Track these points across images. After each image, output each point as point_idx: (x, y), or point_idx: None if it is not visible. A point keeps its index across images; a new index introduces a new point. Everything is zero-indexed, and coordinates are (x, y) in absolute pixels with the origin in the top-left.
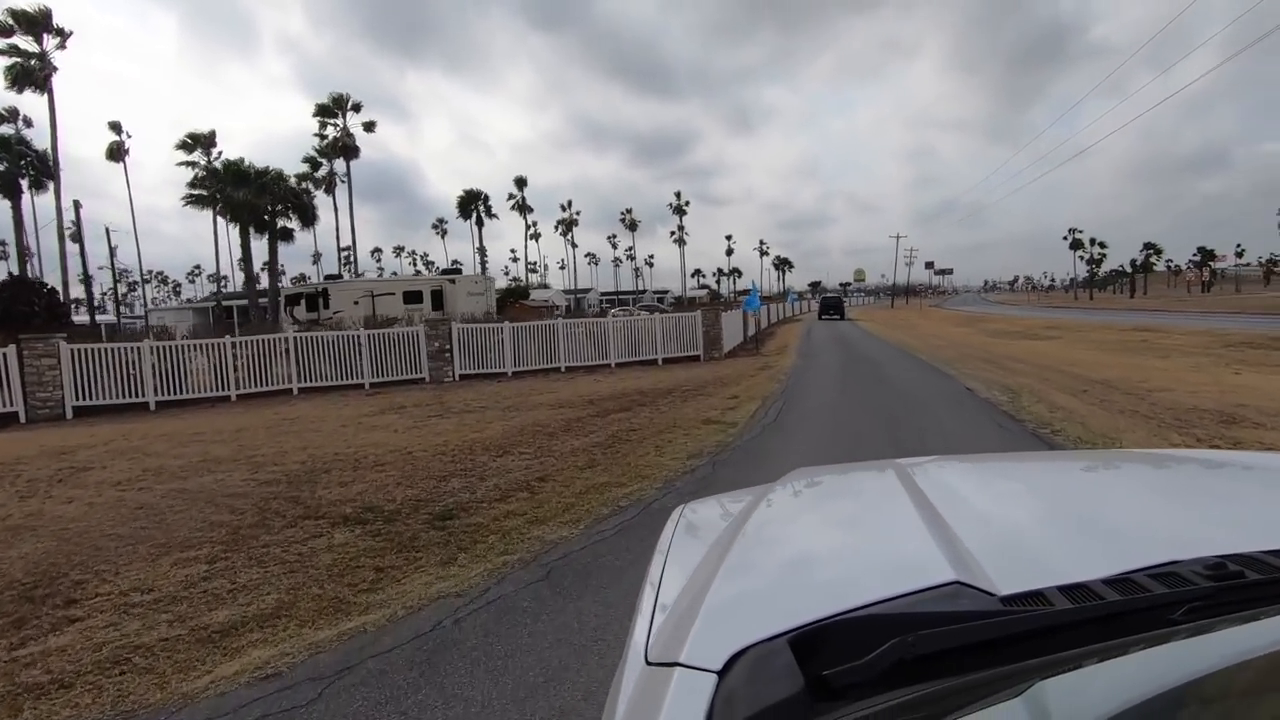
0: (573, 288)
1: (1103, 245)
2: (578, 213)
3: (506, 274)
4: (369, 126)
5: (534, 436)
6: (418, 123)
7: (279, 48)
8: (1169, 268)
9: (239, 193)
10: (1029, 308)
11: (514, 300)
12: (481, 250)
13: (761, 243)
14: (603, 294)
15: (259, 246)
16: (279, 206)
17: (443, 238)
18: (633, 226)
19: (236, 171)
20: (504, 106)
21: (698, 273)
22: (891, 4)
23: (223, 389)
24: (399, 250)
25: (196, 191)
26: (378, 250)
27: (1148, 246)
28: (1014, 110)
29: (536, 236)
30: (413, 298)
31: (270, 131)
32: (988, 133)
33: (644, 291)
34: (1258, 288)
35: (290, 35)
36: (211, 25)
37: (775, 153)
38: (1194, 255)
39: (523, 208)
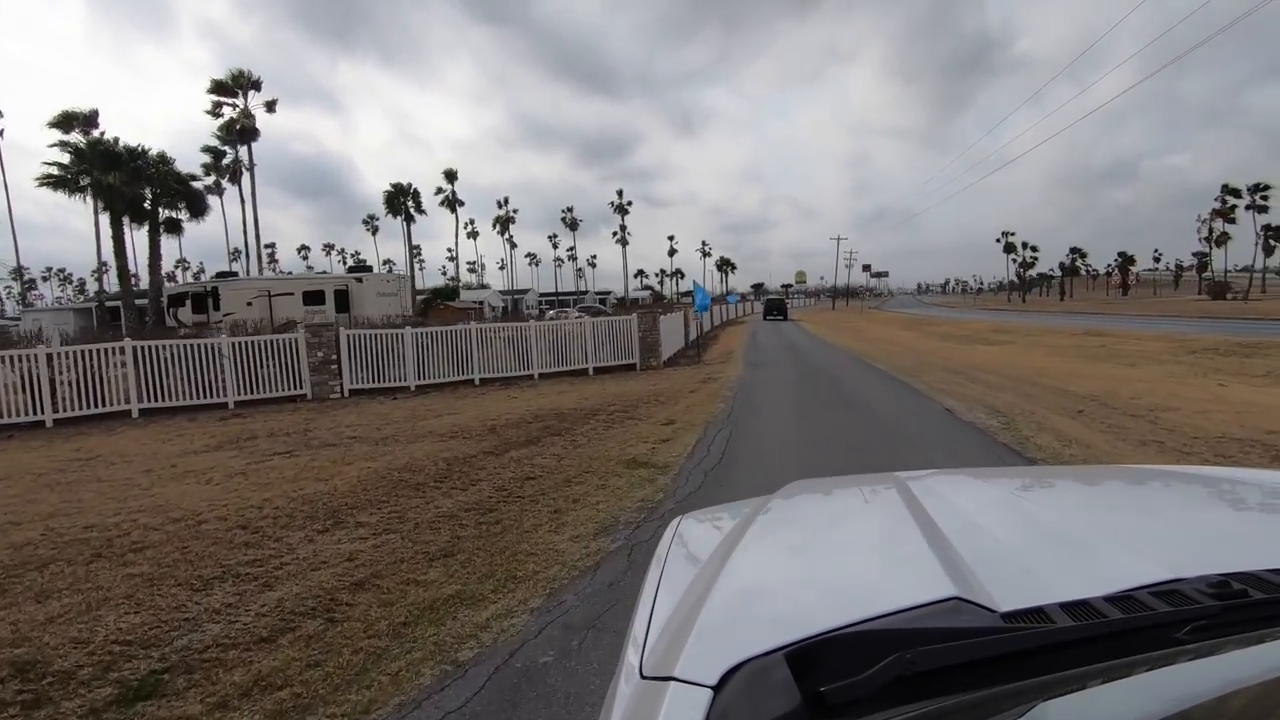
0: (511, 288)
1: (1034, 249)
2: (515, 210)
3: (444, 274)
4: (270, 106)
5: (394, 491)
6: (351, 116)
7: (199, 32)
8: (1088, 272)
9: (108, 176)
10: (966, 310)
11: (440, 302)
12: (416, 249)
13: (704, 244)
14: (542, 295)
15: (142, 239)
16: (162, 194)
17: (374, 235)
18: (573, 226)
19: (106, 153)
20: (443, 101)
21: (640, 274)
22: (830, 9)
23: (34, 411)
24: (329, 248)
25: (54, 173)
26: (305, 248)
27: (1074, 251)
28: (947, 118)
29: (474, 235)
30: (314, 298)
31: (193, 121)
32: (922, 140)
33: (585, 292)
34: (1168, 291)
35: (211, 20)
36: (121, 4)
37: (718, 155)
38: (1115, 260)
39: (453, 203)
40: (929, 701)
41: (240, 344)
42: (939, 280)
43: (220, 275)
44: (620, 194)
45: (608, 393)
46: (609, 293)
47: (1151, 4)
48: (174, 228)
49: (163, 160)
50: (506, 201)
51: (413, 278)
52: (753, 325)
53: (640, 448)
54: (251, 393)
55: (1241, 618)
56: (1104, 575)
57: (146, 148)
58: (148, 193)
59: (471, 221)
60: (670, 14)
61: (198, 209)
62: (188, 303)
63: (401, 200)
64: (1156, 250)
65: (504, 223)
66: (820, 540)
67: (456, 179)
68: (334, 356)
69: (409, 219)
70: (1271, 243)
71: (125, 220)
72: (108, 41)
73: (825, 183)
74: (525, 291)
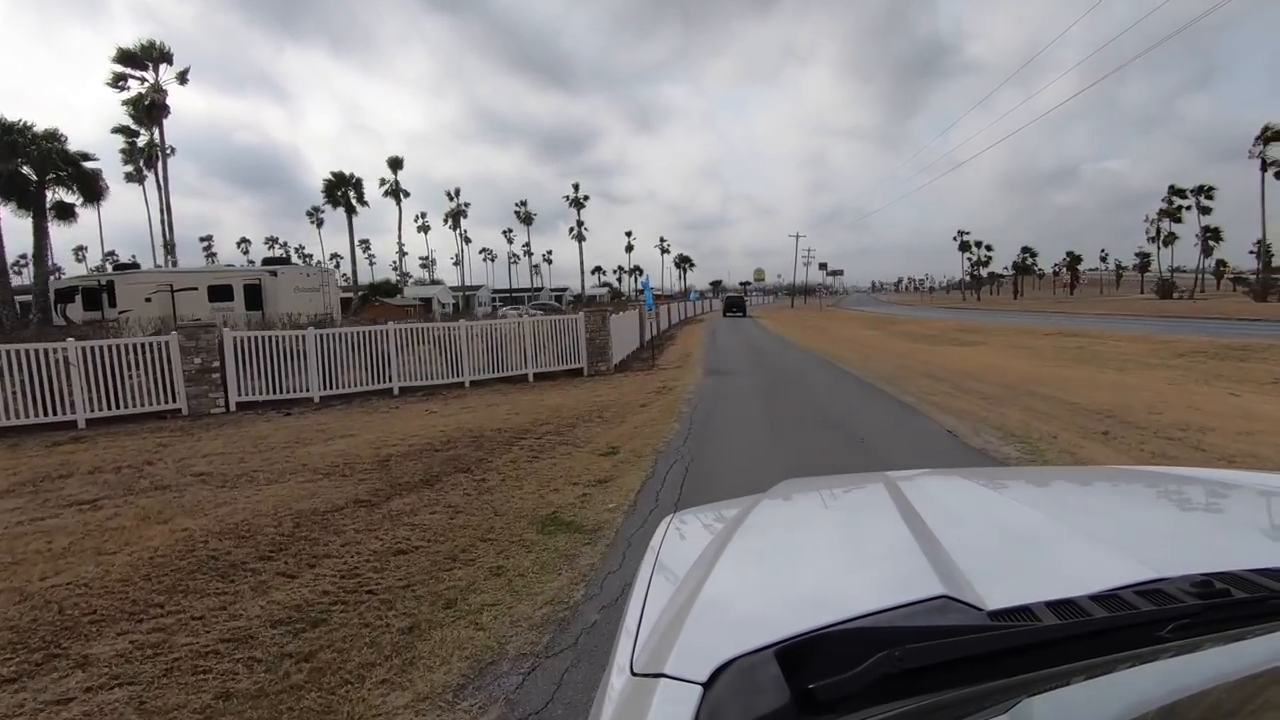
0: (463, 284)
1: (989, 248)
2: (467, 204)
3: (395, 269)
4: (182, 78)
5: (191, 576)
6: (299, 105)
7: (134, 14)
8: (1034, 271)
9: None
10: (924, 308)
11: (376, 298)
12: (365, 244)
13: (662, 240)
14: (495, 292)
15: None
16: (48, 174)
17: (319, 228)
18: (528, 220)
19: None
20: (397, 92)
21: (598, 270)
22: (789, 8)
23: None
24: (272, 241)
25: None
26: (245, 240)
27: (1025, 250)
28: (900, 120)
29: (426, 229)
30: (220, 294)
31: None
32: (876, 141)
33: (541, 289)
34: (1111, 290)
35: (147, 1)
36: None
37: (677, 153)
38: (1063, 259)
39: (397, 194)
40: (917, 698)
41: (93, 349)
42: (891, 278)
43: (119, 268)
44: (576, 188)
45: (544, 406)
46: (565, 289)
47: (1093, 14)
48: (66, 213)
49: (50, 137)
50: (458, 193)
51: (355, 273)
52: (712, 323)
53: (567, 494)
54: (112, 408)
55: (1223, 616)
56: (1089, 574)
57: (30, 123)
58: (30, 173)
59: (423, 215)
60: (629, 9)
61: (91, 193)
62: (78, 298)
63: (342, 190)
64: (1103, 250)
65: (456, 216)
66: (811, 539)
67: (401, 168)
68: (216, 364)
69: (350, 210)
70: (1210, 243)
71: (7, 204)
72: (34, 24)
73: (783, 181)
74: (478, 288)
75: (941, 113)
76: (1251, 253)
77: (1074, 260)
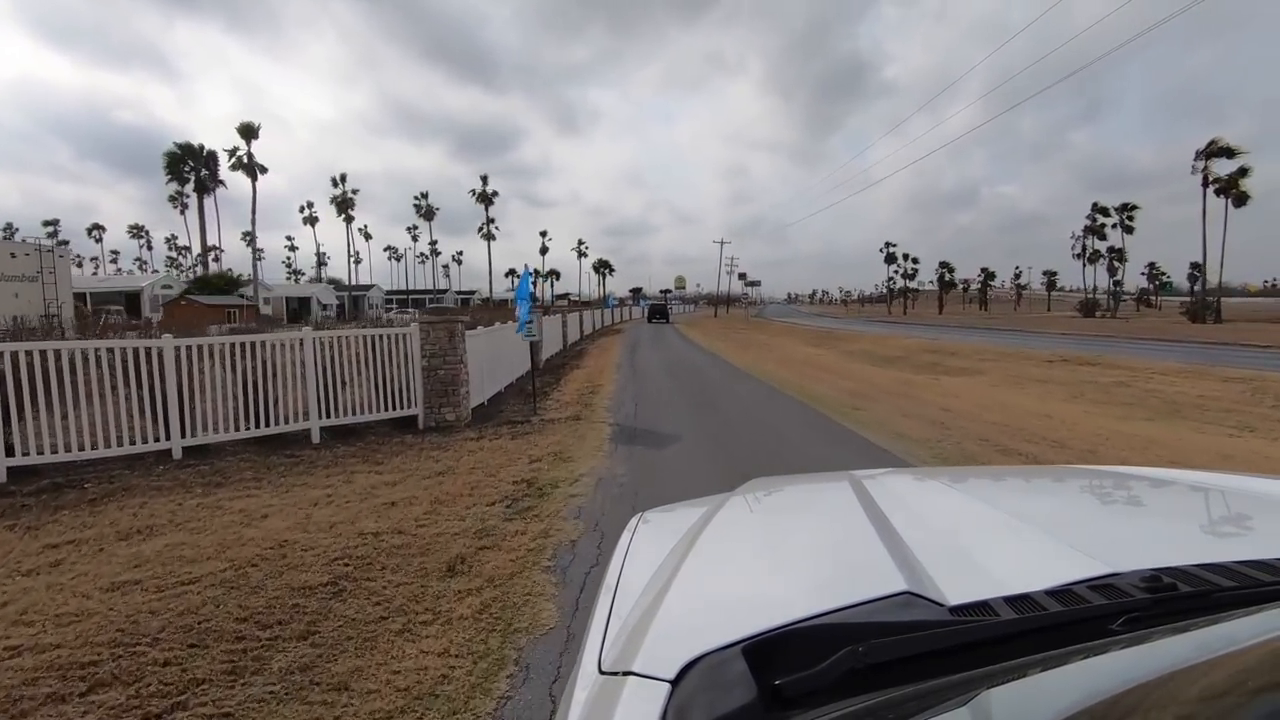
0: (350, 284)
1: (915, 260)
2: (354, 190)
3: (288, 265)
4: None
5: None
6: (193, 85)
7: None
8: (956, 286)
9: None
10: (852, 320)
11: (184, 297)
12: (246, 235)
13: (580, 242)
14: (391, 293)
15: None
16: None
17: (183, 213)
18: (429, 215)
19: None
20: (304, 78)
21: (512, 273)
22: (717, 17)
23: None
24: (136, 230)
25: None
26: (98, 228)
27: (943, 265)
28: (818, 136)
29: (313, 221)
30: None
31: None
32: (795, 156)
33: (445, 291)
34: (1006, 306)
35: None
36: None
37: (602, 157)
38: (977, 275)
39: (252, 167)
40: (881, 692)
41: None
42: (805, 289)
43: None
44: (484, 180)
45: (248, 554)
46: (474, 292)
47: (995, 49)
48: None
49: None
50: (344, 179)
51: (206, 265)
52: (633, 334)
53: None
54: None
55: (1170, 609)
56: (1046, 570)
57: None
58: None
59: (310, 205)
60: (556, 4)
61: None
62: None
63: (188, 165)
64: (1017, 267)
65: (342, 205)
66: (778, 537)
67: (256, 136)
68: None
69: (201, 190)
70: (1114, 263)
71: None
72: None
73: (705, 191)
74: (368, 288)
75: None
76: (1143, 274)
77: (988, 276)
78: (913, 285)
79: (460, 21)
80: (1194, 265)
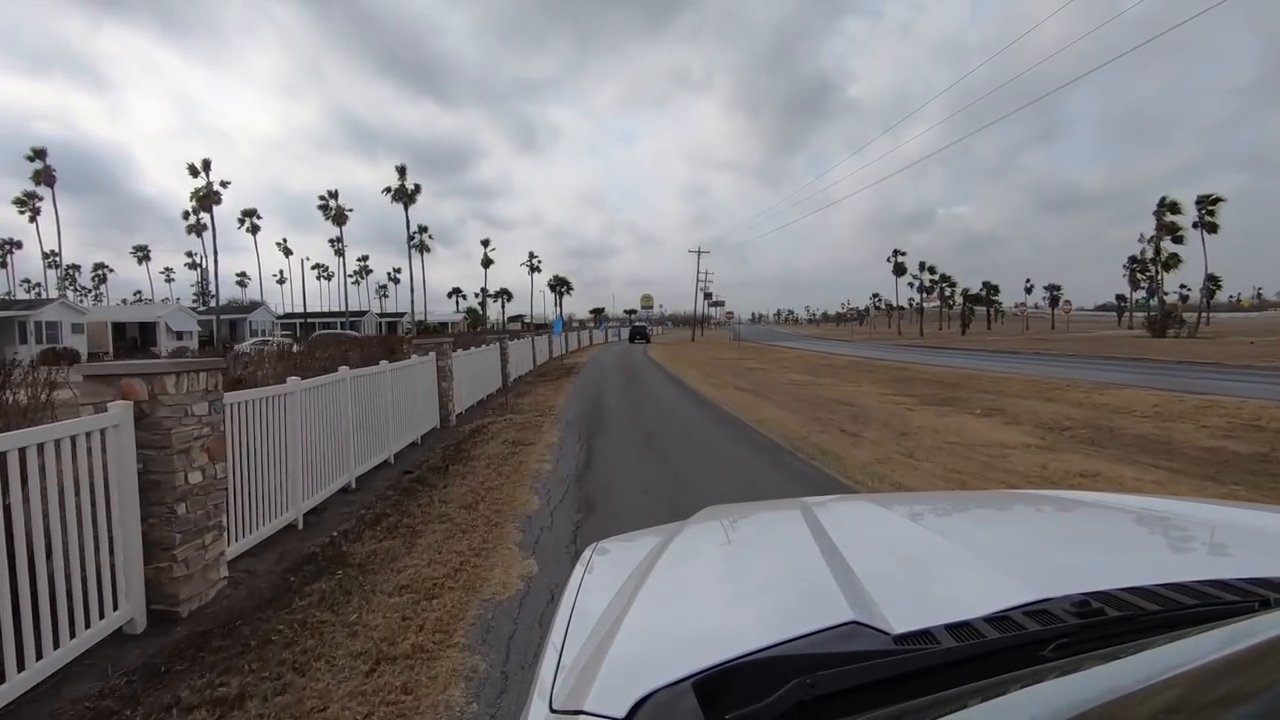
0: (218, 304)
1: (932, 270)
2: (226, 183)
3: (241, 286)
4: None
5: None
6: (123, 96)
7: None
8: (888, 308)
9: None
10: (862, 345)
11: None
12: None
13: (532, 256)
14: (280, 317)
15: None
16: None
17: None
18: (340, 219)
19: None
20: (246, 89)
21: (456, 293)
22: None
23: None
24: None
25: None
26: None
27: (944, 279)
28: (780, 157)
29: (199, 230)
30: None
31: None
32: (757, 176)
33: (364, 313)
34: (980, 326)
35: None
36: None
37: (562, 178)
38: (980, 290)
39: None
40: None
41: None
42: (767, 310)
43: None
44: (402, 171)
45: None
46: (402, 315)
47: (954, 72)
48: None
49: None
50: (207, 167)
51: (47, 284)
52: (596, 373)
53: None
54: None
55: (1099, 635)
56: (984, 596)
57: None
58: None
59: (195, 212)
60: (516, 14)
61: None
62: None
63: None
64: (1028, 280)
65: (203, 198)
66: (730, 567)
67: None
68: None
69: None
70: (1162, 272)
71: None
72: None
73: (667, 211)
74: (251, 308)
75: (819, 151)
76: (1182, 288)
77: (991, 290)
78: (887, 304)
79: (412, 26)
80: (1210, 277)
